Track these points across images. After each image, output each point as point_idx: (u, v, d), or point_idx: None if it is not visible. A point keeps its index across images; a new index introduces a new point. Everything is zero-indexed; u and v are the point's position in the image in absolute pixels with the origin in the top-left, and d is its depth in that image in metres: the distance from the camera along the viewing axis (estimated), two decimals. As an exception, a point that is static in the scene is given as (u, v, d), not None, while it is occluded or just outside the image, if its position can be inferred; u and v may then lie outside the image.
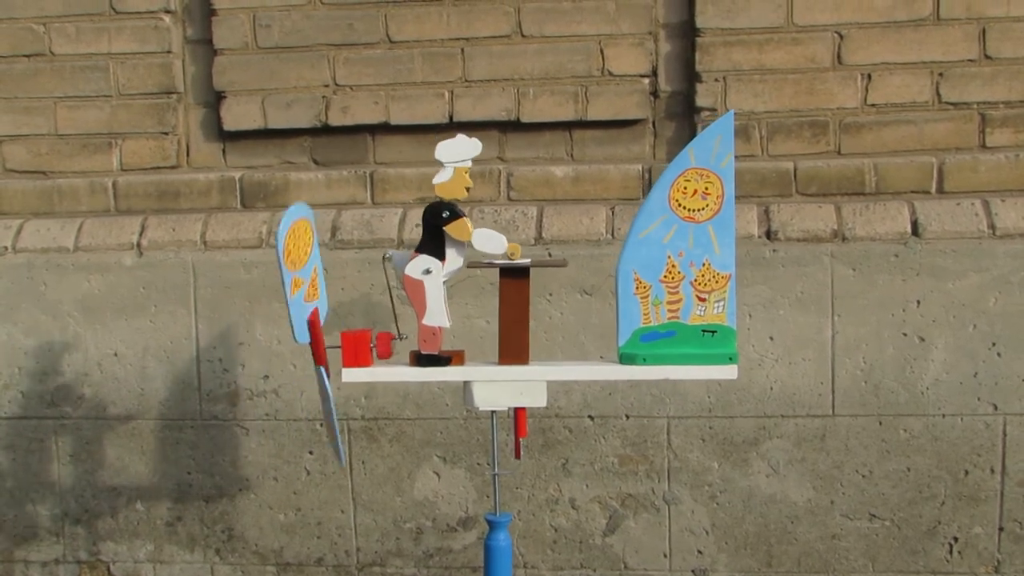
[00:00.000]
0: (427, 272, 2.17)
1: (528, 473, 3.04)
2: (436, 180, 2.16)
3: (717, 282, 2.11)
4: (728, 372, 2.15)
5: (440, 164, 2.17)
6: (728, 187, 2.08)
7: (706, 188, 2.07)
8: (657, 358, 2.14)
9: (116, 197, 3.25)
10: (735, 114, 2.93)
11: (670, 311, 2.11)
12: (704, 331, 2.13)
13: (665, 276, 2.10)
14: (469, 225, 2.16)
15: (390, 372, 2.25)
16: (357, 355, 2.21)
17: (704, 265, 2.10)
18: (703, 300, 2.11)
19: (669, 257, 2.10)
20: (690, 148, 2.07)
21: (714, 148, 2.06)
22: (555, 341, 2.99)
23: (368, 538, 3.11)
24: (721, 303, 2.12)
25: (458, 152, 2.15)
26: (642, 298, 2.11)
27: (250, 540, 3.16)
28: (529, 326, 2.20)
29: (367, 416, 3.07)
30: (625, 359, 2.16)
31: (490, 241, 2.16)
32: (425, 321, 2.19)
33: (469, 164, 2.16)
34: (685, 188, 2.08)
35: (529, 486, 3.04)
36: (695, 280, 2.11)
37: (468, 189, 2.17)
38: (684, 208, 2.08)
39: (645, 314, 2.12)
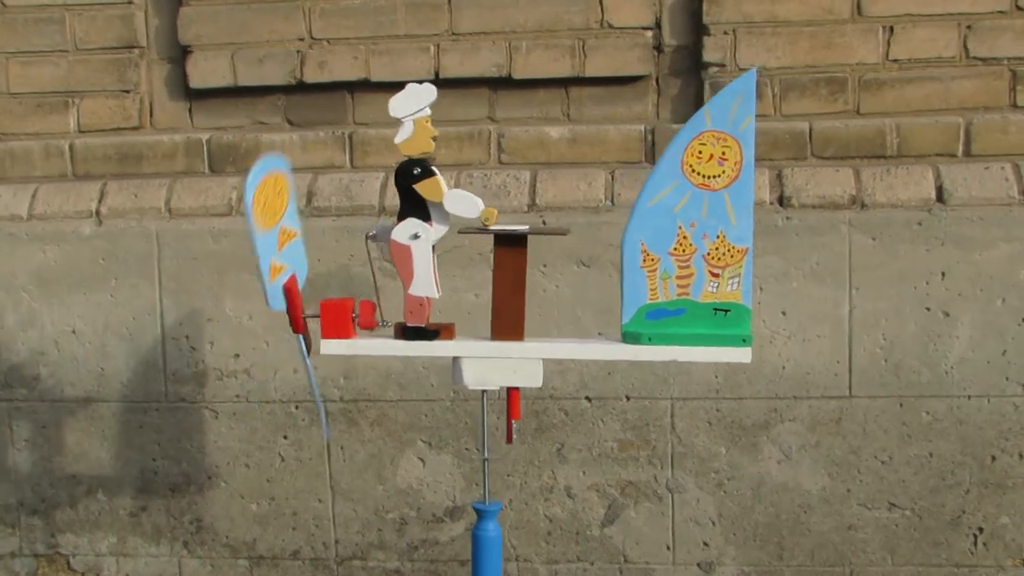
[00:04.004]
0: (415, 237, 2.11)
1: (521, 459, 2.99)
2: (398, 139, 2.12)
3: (732, 256, 2.03)
4: (741, 355, 2.08)
5: (398, 122, 2.12)
6: (748, 152, 2.01)
7: (723, 153, 2.00)
8: (664, 338, 2.07)
9: (73, 161, 3.19)
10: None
11: (679, 287, 2.04)
12: (716, 309, 2.06)
13: (675, 248, 2.03)
14: (442, 184, 2.10)
15: (373, 345, 2.19)
16: (337, 326, 2.16)
17: (719, 237, 2.02)
18: (716, 276, 2.04)
19: (680, 227, 2.02)
20: (706, 109, 2.01)
21: (732, 109, 1.99)
22: (550, 316, 2.93)
23: (348, 529, 3.06)
24: (736, 279, 2.05)
25: (413, 103, 2.10)
26: (649, 272, 2.04)
27: (220, 532, 3.12)
28: (525, 299, 2.17)
29: (346, 398, 3.02)
30: (629, 338, 2.09)
31: (463, 203, 2.08)
32: (412, 291, 2.14)
33: (428, 112, 2.11)
34: (700, 152, 2.00)
35: (522, 473, 2.99)
36: (708, 253, 2.03)
37: (435, 139, 2.12)
38: (698, 174, 2.01)
39: (652, 289, 2.05)
